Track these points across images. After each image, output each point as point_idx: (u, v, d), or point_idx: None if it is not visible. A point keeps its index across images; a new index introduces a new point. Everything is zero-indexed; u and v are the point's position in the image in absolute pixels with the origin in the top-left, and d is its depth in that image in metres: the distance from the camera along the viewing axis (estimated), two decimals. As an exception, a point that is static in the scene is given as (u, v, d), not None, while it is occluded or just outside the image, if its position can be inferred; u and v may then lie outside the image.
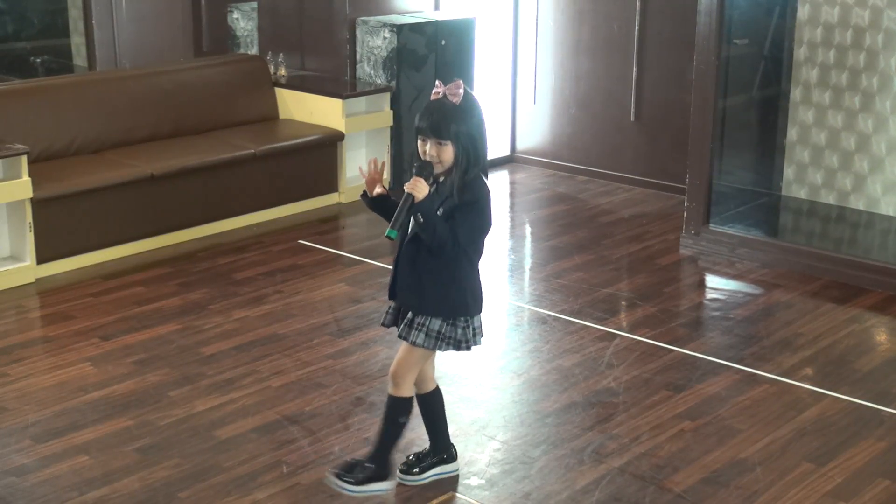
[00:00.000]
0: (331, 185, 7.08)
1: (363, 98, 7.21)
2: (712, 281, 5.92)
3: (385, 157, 7.25)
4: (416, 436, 4.02)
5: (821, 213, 6.58)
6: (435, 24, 7.39)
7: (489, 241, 3.71)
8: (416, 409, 3.77)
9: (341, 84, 7.32)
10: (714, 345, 5.05)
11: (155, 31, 8.51)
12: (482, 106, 3.56)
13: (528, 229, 6.81)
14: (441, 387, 3.87)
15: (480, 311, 3.65)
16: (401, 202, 3.40)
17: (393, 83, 7.25)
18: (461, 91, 3.44)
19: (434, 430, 3.86)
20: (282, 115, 7.39)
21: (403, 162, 7.24)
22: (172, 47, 8.47)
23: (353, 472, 3.72)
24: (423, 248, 3.51)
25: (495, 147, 7.89)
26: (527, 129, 8.03)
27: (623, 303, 5.55)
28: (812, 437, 4.20)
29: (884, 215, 6.37)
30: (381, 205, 3.58)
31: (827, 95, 6.46)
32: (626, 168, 7.57)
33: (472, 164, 3.46)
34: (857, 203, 6.45)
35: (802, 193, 6.66)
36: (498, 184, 7.63)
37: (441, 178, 3.49)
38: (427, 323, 3.57)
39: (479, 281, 3.64)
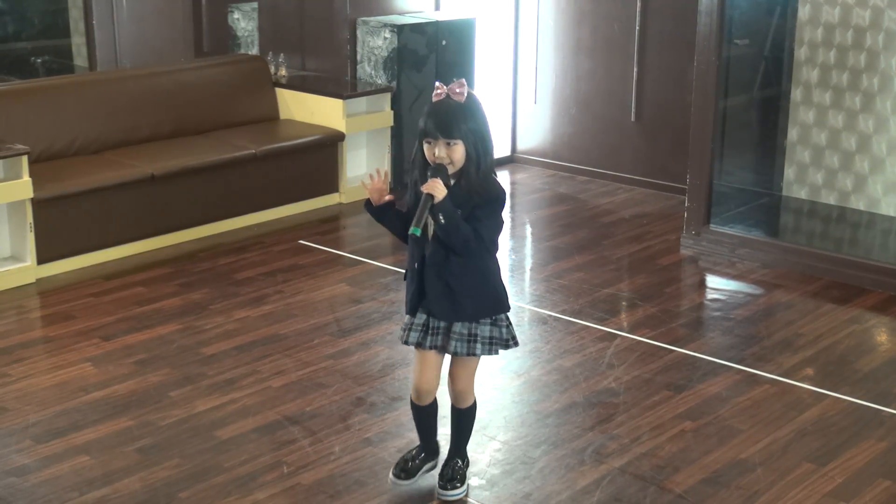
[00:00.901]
0: (331, 185, 7.08)
1: (364, 98, 7.21)
2: (713, 281, 5.92)
3: (385, 157, 7.26)
4: (415, 436, 4.02)
5: (821, 214, 6.58)
6: (435, 25, 7.39)
7: (489, 242, 3.71)
8: (416, 413, 3.78)
9: (342, 84, 7.32)
10: (715, 345, 5.05)
11: (155, 32, 8.51)
12: (483, 105, 3.56)
13: (528, 229, 6.81)
14: (441, 387, 3.86)
15: (510, 308, 3.68)
16: (421, 202, 3.37)
17: (393, 83, 7.25)
18: (465, 90, 3.44)
19: (430, 435, 3.88)
20: (282, 116, 7.39)
21: (404, 162, 7.24)
22: (173, 47, 8.46)
23: (455, 476, 3.76)
24: (450, 255, 3.49)
25: (496, 147, 7.87)
26: (527, 130, 8.03)
27: (624, 303, 5.55)
28: (813, 438, 4.20)
29: (884, 215, 6.37)
30: (387, 214, 3.56)
31: (828, 96, 6.46)
32: (627, 168, 7.57)
33: (484, 160, 3.46)
34: (858, 203, 6.45)
35: (803, 194, 6.66)
36: (498, 184, 7.62)
37: (452, 182, 3.47)
38: (478, 332, 3.56)
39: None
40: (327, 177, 7.06)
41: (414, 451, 3.87)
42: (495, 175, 3.56)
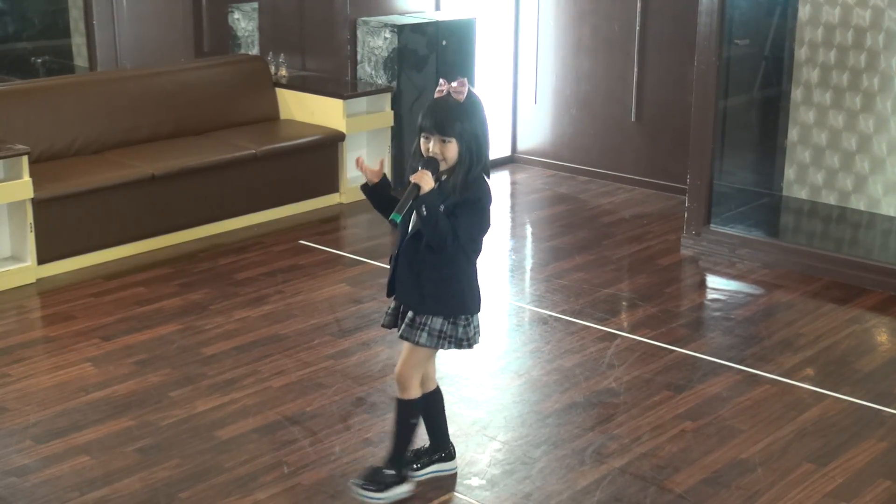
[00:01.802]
0: (332, 185, 7.08)
1: (364, 98, 7.21)
2: (713, 281, 5.92)
3: (386, 157, 7.26)
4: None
5: (822, 214, 6.58)
6: (436, 25, 7.39)
7: (490, 242, 3.71)
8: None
9: (342, 84, 7.33)
10: (715, 345, 5.05)
11: (156, 32, 8.52)
12: (484, 105, 3.56)
13: (528, 229, 6.81)
14: (442, 387, 3.87)
15: (479, 311, 3.65)
16: (406, 190, 3.38)
17: (394, 83, 7.25)
18: (465, 89, 3.45)
19: (434, 428, 3.87)
20: (283, 116, 7.39)
21: (404, 162, 7.23)
22: (173, 47, 8.47)
23: (375, 479, 3.73)
24: (423, 246, 3.51)
25: (496, 147, 7.89)
26: (528, 130, 8.03)
27: (624, 303, 5.55)
28: (813, 438, 4.20)
29: (885, 216, 6.37)
30: (383, 195, 3.56)
31: (828, 96, 6.46)
32: (627, 168, 7.57)
33: (476, 162, 3.46)
34: (858, 203, 6.45)
35: (803, 194, 6.66)
36: (499, 184, 7.63)
37: (443, 177, 3.49)
38: (428, 322, 3.57)
39: (477, 280, 3.64)
40: (327, 177, 7.06)
41: (423, 447, 3.88)
42: (488, 177, 3.56)
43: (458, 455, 3.95)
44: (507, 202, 7.32)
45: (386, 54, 7.23)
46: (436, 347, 3.61)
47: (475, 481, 3.87)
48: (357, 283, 5.76)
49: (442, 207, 3.44)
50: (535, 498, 3.79)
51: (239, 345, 4.99)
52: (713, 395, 4.55)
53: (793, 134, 6.64)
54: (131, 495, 3.77)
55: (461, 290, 3.58)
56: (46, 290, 5.64)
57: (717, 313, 5.44)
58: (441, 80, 3.51)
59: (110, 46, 8.36)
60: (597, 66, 7.56)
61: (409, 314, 3.60)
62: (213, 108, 7.06)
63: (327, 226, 6.74)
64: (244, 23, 7.98)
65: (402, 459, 3.77)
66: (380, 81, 7.31)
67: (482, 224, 3.55)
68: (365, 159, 3.60)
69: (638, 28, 7.30)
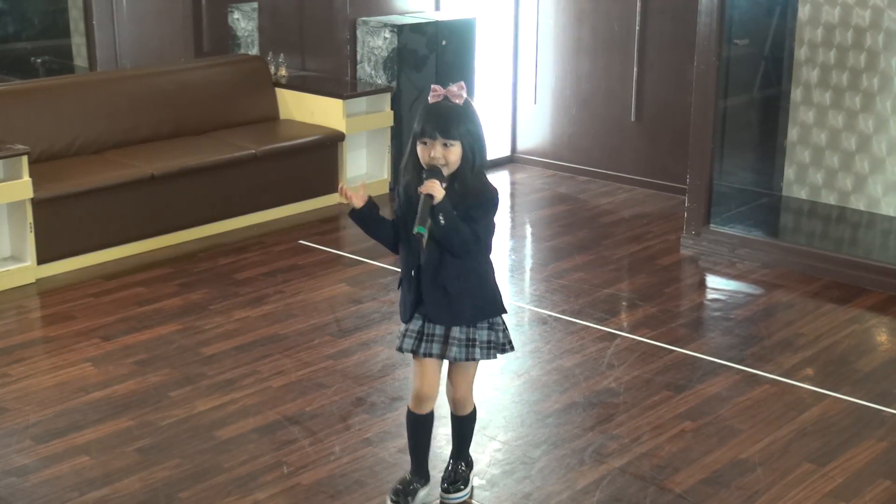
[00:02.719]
0: (331, 185, 7.08)
1: (364, 98, 7.21)
2: (713, 281, 5.92)
3: (386, 157, 7.26)
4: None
5: (821, 214, 6.58)
6: (435, 25, 7.39)
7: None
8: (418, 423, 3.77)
9: (342, 84, 7.33)
10: (715, 345, 5.05)
11: (155, 32, 8.51)
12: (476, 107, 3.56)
13: (528, 229, 6.81)
14: (441, 387, 3.86)
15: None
16: (420, 203, 3.32)
17: (393, 83, 7.25)
18: (464, 92, 3.44)
19: (423, 454, 3.76)
20: (282, 116, 7.39)
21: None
22: (173, 47, 8.47)
23: (456, 481, 3.75)
24: (446, 259, 3.46)
25: (496, 147, 7.89)
26: (527, 130, 8.03)
27: (624, 303, 5.55)
28: (813, 438, 4.20)
29: (884, 215, 6.37)
30: (373, 218, 3.52)
31: (827, 96, 6.46)
32: (627, 168, 7.57)
33: (479, 162, 3.46)
34: (858, 203, 6.45)
35: (803, 194, 6.66)
36: (498, 184, 7.59)
37: (445, 184, 3.44)
38: (474, 335, 3.54)
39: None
40: (327, 177, 7.06)
41: (407, 478, 3.74)
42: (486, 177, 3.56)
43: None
44: (507, 202, 7.31)
45: (386, 54, 7.23)
46: (488, 358, 3.59)
47: (475, 481, 3.87)
48: (357, 283, 5.76)
49: (455, 213, 3.41)
50: (534, 498, 3.79)
51: (239, 345, 4.99)
52: (713, 395, 4.55)
53: (792, 134, 6.64)
54: (131, 495, 3.77)
55: (493, 292, 3.57)
56: (46, 290, 5.64)
57: (717, 313, 5.44)
58: (434, 86, 3.46)
59: (110, 46, 8.36)
60: (596, 65, 7.56)
61: (439, 331, 3.53)
62: (212, 108, 7.06)
63: (327, 226, 6.74)
64: (244, 23, 7.98)
65: (467, 454, 3.83)
66: (379, 81, 7.31)
67: (494, 223, 3.55)
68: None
69: (638, 28, 7.30)
